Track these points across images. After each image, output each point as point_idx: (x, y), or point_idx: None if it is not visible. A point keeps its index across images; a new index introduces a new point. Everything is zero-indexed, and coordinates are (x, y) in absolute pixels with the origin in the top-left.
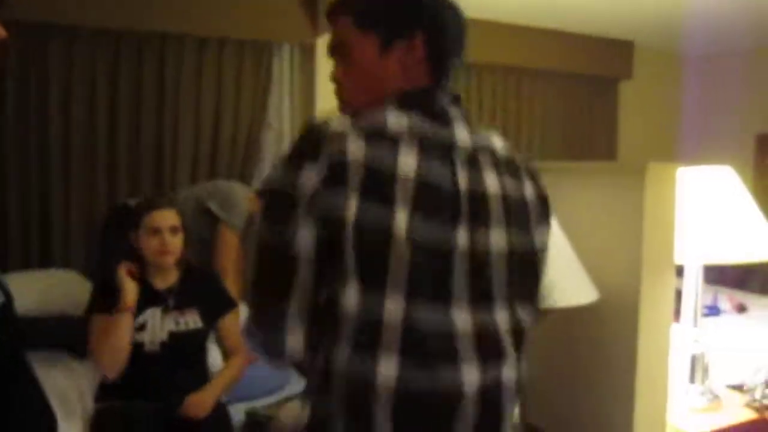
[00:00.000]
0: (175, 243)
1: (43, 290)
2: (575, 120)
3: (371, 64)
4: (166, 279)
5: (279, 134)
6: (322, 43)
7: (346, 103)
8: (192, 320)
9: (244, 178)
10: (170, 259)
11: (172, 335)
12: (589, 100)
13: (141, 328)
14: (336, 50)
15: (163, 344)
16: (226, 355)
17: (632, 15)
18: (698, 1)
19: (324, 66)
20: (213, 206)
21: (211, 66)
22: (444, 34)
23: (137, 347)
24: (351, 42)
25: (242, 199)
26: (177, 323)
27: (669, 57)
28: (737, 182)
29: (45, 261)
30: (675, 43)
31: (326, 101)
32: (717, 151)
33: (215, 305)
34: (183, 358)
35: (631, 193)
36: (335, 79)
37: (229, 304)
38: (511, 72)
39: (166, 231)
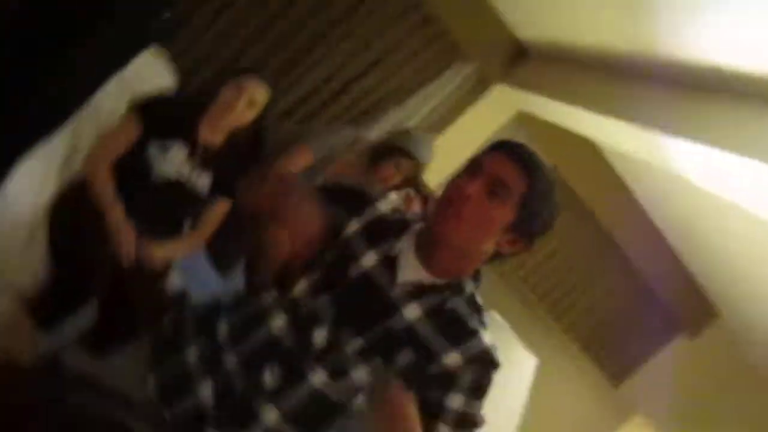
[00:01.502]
0: (243, 117)
1: None
2: None
3: None
4: (213, 136)
5: None
6: None
7: None
8: (202, 184)
9: None
10: (227, 122)
11: (175, 183)
12: None
13: (163, 149)
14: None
15: (168, 183)
16: None
17: None
18: None
19: None
20: None
21: None
22: None
23: (147, 170)
24: None
25: None
26: (190, 174)
27: None
28: None
29: None
30: None
31: None
32: None
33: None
34: (172, 211)
35: None
36: None
37: (227, 193)
38: None
39: (243, 99)
